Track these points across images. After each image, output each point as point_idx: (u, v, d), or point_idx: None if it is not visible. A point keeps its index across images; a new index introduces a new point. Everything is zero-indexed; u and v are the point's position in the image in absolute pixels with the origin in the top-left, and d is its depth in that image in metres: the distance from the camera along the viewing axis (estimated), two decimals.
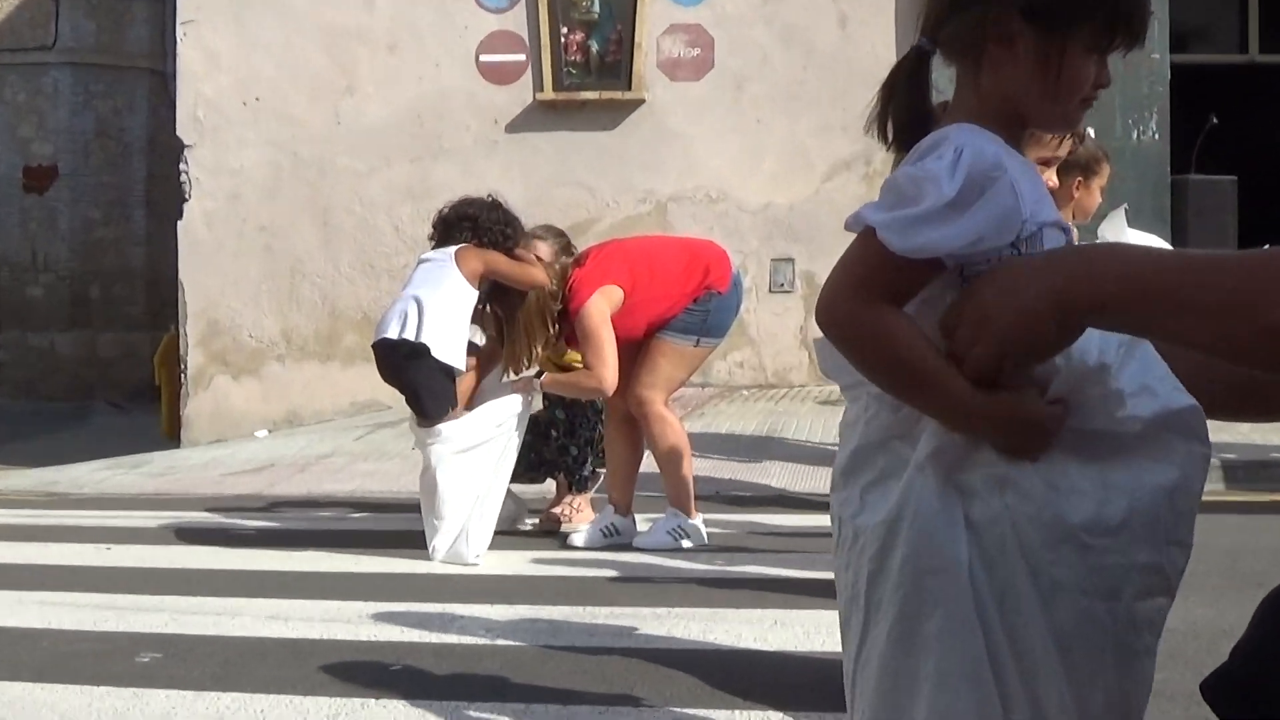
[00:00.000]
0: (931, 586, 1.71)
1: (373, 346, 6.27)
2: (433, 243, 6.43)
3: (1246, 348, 1.48)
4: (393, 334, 6.06)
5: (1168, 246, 6.04)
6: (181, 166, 12.12)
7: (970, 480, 1.72)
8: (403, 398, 6.28)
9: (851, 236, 1.77)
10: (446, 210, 6.42)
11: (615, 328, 6.25)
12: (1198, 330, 1.49)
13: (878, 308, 1.69)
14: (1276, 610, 1.65)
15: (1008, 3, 1.75)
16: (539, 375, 6.53)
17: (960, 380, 1.66)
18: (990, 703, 1.69)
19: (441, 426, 6.18)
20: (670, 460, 6.26)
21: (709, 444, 8.91)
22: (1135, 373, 1.71)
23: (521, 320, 6.18)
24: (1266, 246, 1.69)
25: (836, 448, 1.89)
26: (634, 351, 6.35)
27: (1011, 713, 1.70)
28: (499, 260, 6.20)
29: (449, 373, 6.21)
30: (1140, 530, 1.70)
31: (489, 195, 6.48)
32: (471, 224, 6.26)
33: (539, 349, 6.29)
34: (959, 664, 1.69)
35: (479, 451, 6.20)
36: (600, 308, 6.19)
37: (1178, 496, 1.73)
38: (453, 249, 6.23)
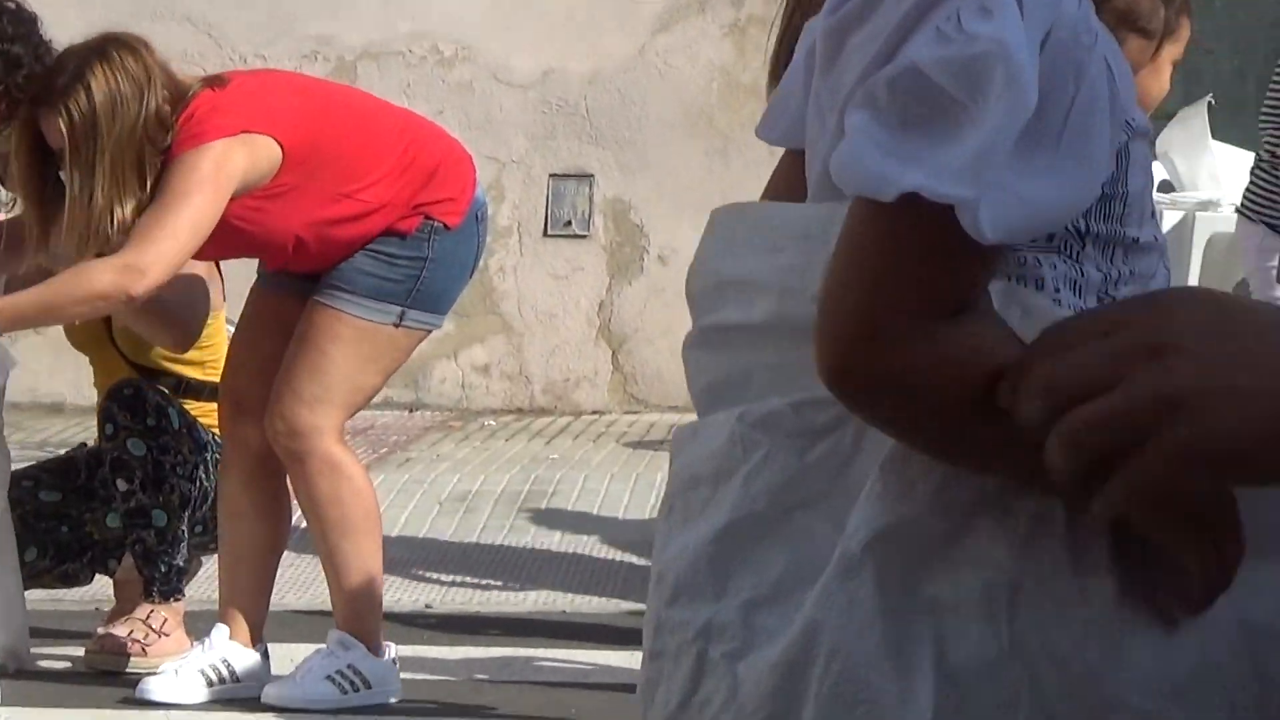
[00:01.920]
0: None
1: None
2: None
3: None
4: None
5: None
6: None
7: (949, 592, 1.44)
8: None
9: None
10: None
11: (246, 225, 5.61)
12: None
13: (949, 328, 1.40)
14: None
15: None
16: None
17: None
18: None
19: None
20: (343, 540, 5.66)
21: (417, 516, 8.08)
22: None
23: (105, 153, 5.47)
24: None
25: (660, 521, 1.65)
26: (276, 322, 5.74)
27: None
28: None
29: None
30: (1208, 694, 1.47)
31: None
32: None
33: (123, 214, 5.52)
34: None
35: None
36: (229, 160, 5.54)
37: (1267, 649, 1.49)
38: None
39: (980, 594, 1.38)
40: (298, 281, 5.70)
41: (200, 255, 5.77)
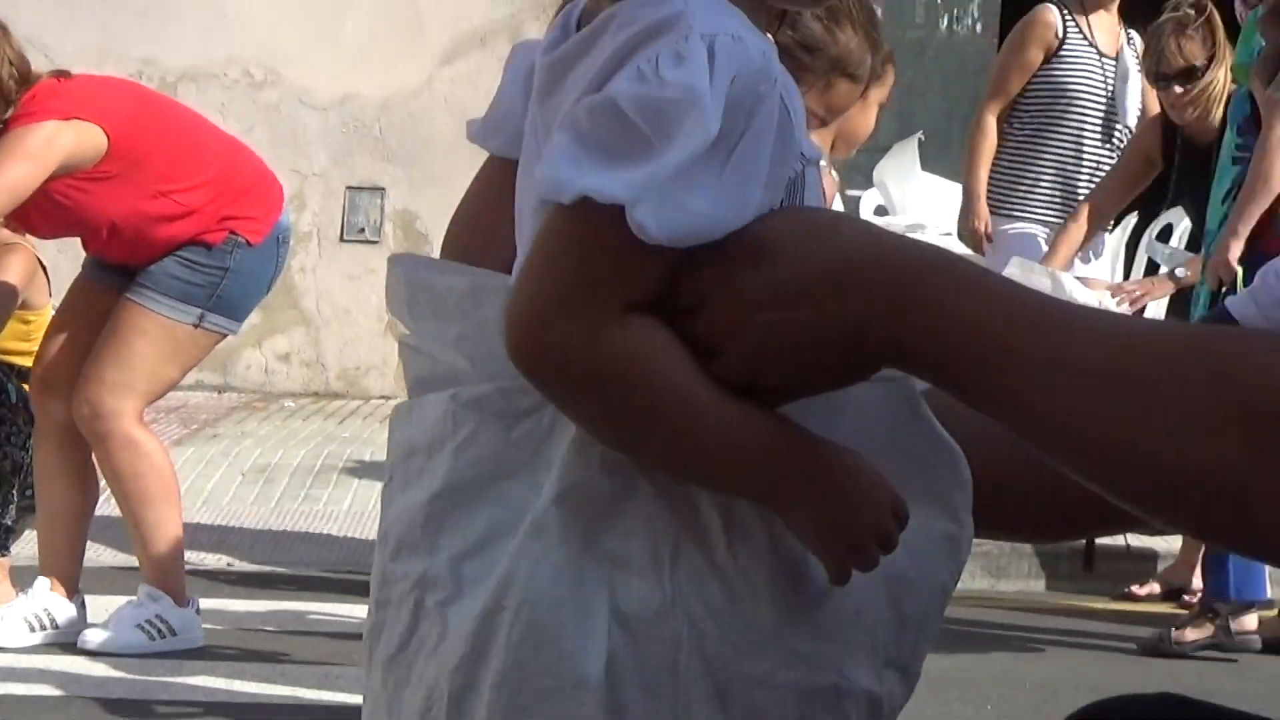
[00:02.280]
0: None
1: None
2: None
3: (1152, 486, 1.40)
4: None
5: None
6: None
7: (621, 547, 1.50)
8: None
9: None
10: None
11: (68, 202, 5.76)
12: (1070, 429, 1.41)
13: (624, 322, 1.45)
14: None
15: None
16: None
17: (783, 420, 1.48)
18: None
19: None
20: (145, 509, 5.78)
21: (222, 486, 8.47)
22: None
23: None
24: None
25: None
26: (91, 311, 5.92)
27: None
28: None
29: None
30: (857, 640, 1.57)
31: None
32: None
33: None
34: None
35: None
36: (57, 139, 5.71)
37: (904, 593, 1.57)
38: None
39: (648, 550, 1.47)
40: (114, 277, 5.88)
41: (31, 230, 6.18)
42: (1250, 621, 6.35)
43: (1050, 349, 1.35)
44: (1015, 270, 6.52)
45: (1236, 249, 6.20)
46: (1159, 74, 6.56)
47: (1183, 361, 1.36)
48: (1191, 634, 6.28)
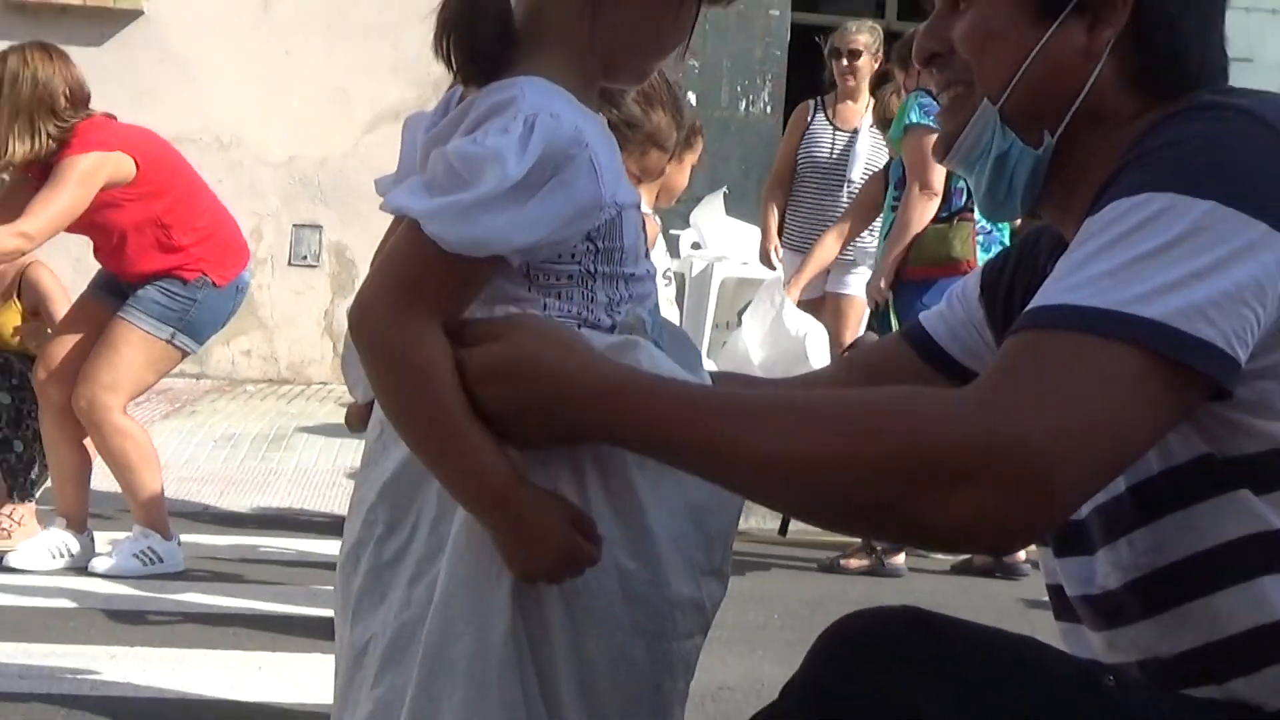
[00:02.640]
0: (458, 615, 1.70)
1: None
2: None
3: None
4: None
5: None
6: None
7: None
8: None
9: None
10: None
11: (95, 210, 5.81)
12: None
13: (418, 325, 1.60)
14: (828, 644, 1.66)
15: None
16: None
17: (498, 457, 1.61)
18: None
19: None
20: (132, 475, 5.93)
21: (199, 450, 8.71)
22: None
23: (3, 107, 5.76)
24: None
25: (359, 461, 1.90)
26: (90, 320, 6.00)
27: None
28: None
29: None
30: (674, 557, 1.71)
31: None
32: None
33: (14, 150, 5.74)
34: (487, 705, 1.68)
35: None
36: (101, 168, 5.80)
37: (706, 518, 1.73)
38: None
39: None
40: (111, 297, 6.01)
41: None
42: (900, 558, 6.71)
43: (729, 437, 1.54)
44: (765, 293, 6.81)
45: (885, 280, 6.48)
46: (884, 123, 6.83)
47: (834, 433, 1.53)
48: (855, 562, 6.66)
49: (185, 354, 6.06)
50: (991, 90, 1.77)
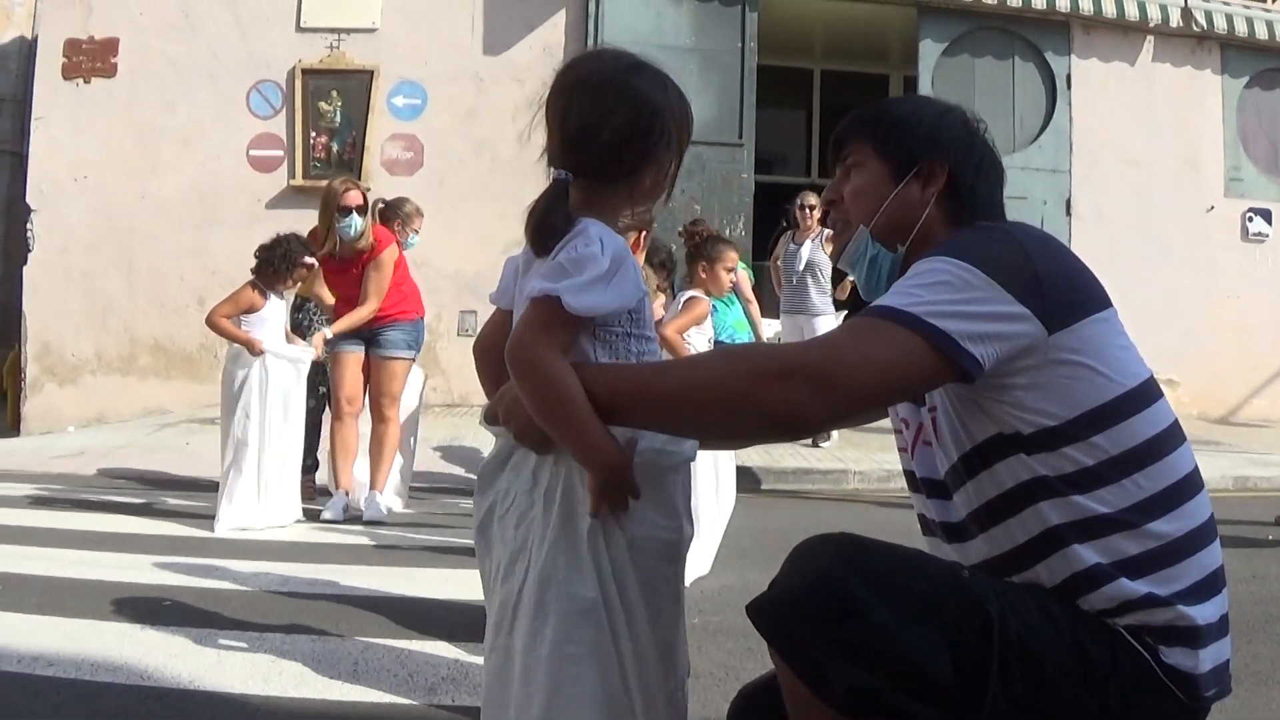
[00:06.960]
0: (564, 550, 2.16)
1: None
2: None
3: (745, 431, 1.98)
4: None
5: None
6: (28, 226, 13.44)
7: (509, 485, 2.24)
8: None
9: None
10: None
11: (356, 284, 7.21)
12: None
13: (552, 354, 2.07)
14: (803, 550, 2.10)
15: (654, 142, 2.22)
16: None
17: (602, 429, 2.08)
18: (604, 637, 2.11)
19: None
20: (393, 455, 7.36)
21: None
22: None
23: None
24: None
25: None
26: (355, 361, 7.27)
27: (620, 640, 2.11)
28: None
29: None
30: (682, 515, 2.20)
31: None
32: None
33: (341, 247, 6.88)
34: (576, 605, 2.08)
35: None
36: (391, 258, 7.23)
37: (683, 493, 2.24)
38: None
39: (542, 491, 2.15)
40: (353, 344, 7.06)
41: (332, 289, 7.22)
42: None
43: (661, 386, 1.91)
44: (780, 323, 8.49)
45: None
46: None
47: (720, 368, 1.92)
48: None
49: (413, 362, 7.19)
50: (865, 220, 2.34)
